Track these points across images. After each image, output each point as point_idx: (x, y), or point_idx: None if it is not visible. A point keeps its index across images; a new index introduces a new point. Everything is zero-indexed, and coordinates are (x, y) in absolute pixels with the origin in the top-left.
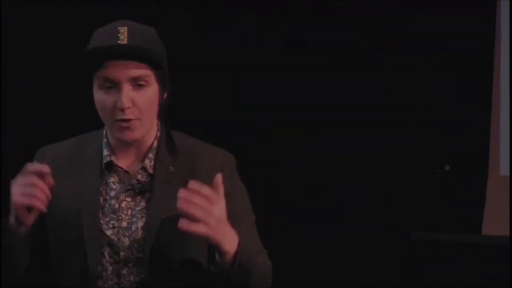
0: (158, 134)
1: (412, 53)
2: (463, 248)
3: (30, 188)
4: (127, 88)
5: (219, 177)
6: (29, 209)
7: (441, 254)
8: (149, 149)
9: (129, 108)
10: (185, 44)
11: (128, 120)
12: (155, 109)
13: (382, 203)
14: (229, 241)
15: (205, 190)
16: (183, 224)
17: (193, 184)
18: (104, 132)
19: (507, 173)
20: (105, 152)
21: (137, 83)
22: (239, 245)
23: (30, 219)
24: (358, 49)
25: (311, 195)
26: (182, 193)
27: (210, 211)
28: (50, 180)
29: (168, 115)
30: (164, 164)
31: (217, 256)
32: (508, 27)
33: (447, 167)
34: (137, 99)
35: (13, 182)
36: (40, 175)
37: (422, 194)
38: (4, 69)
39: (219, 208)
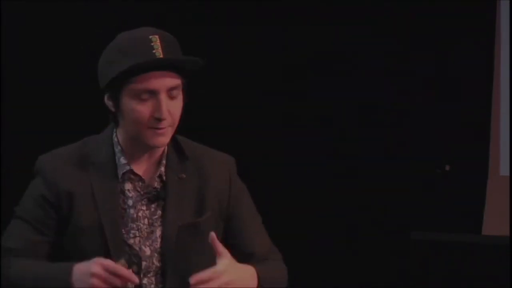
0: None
1: (412, 52)
2: (463, 248)
3: (114, 279)
4: (165, 99)
5: (213, 235)
6: None
7: (441, 254)
8: (162, 155)
9: (165, 119)
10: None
11: (164, 128)
12: (180, 117)
13: (382, 203)
14: (248, 279)
15: (204, 276)
16: None
17: (193, 279)
18: (116, 139)
19: (507, 173)
20: (122, 160)
21: (171, 94)
22: (258, 275)
23: None
24: (357, 47)
25: (311, 195)
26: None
27: (219, 281)
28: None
29: None
30: (175, 170)
31: None
32: (508, 27)
33: (447, 167)
34: (171, 108)
35: (93, 271)
36: (123, 279)
37: (422, 194)
38: (4, 69)
39: (224, 265)
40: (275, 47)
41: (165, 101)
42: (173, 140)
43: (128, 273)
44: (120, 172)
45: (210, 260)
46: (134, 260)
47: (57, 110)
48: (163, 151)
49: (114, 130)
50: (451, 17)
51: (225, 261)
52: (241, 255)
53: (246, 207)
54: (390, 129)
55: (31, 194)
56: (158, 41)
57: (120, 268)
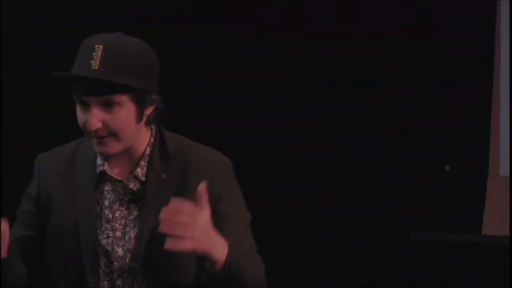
0: (152, 140)
1: (412, 52)
2: (463, 248)
3: None
4: (95, 111)
5: (203, 186)
6: None
7: (441, 254)
8: (142, 156)
9: (97, 129)
10: (184, 46)
11: (101, 137)
12: (131, 128)
13: (382, 203)
14: (218, 249)
15: (186, 206)
16: (169, 244)
17: (173, 203)
18: None
19: (507, 173)
20: (99, 161)
21: (108, 105)
22: (229, 251)
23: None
24: (357, 49)
25: (311, 195)
26: (163, 214)
27: (193, 226)
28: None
29: (164, 118)
30: (157, 171)
31: (207, 264)
32: (508, 27)
33: (447, 167)
34: (107, 120)
35: None
36: None
37: (422, 194)
38: (4, 69)
39: (203, 219)
40: (274, 49)
41: (97, 113)
42: (159, 140)
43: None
44: (96, 173)
45: (186, 261)
46: (109, 260)
47: (57, 110)
48: (143, 153)
49: None
50: (451, 17)
51: (206, 213)
52: None
53: (229, 205)
54: (390, 129)
55: (25, 195)
56: (101, 51)
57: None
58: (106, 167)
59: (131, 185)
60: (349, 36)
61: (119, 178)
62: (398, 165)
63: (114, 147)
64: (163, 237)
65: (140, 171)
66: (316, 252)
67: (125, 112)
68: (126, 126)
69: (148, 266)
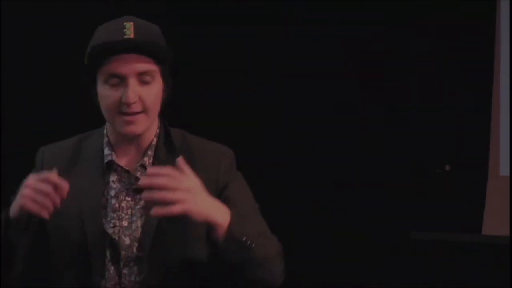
0: (158, 131)
1: (413, 53)
2: (463, 248)
3: (43, 198)
4: (133, 83)
5: (180, 159)
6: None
7: (441, 254)
8: (149, 146)
9: (134, 102)
10: (185, 41)
11: (133, 114)
12: (158, 106)
13: (382, 203)
14: (218, 213)
15: (164, 170)
16: (155, 211)
17: (150, 170)
18: (105, 131)
19: (507, 173)
20: (106, 151)
21: (143, 79)
22: (231, 217)
23: (29, 221)
24: (358, 49)
25: (311, 195)
26: (141, 181)
27: (176, 187)
28: (64, 194)
29: (168, 112)
30: (162, 161)
31: (212, 235)
32: (508, 27)
33: (447, 167)
34: (142, 95)
35: (26, 183)
36: (55, 187)
37: (422, 194)
38: (4, 69)
39: (188, 181)
40: (277, 45)
41: (134, 86)
42: (164, 132)
43: (54, 177)
44: (103, 163)
45: (193, 250)
46: (115, 250)
47: (57, 109)
48: (150, 143)
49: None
50: (451, 17)
51: (191, 177)
52: None
53: (235, 192)
54: (390, 129)
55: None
56: (132, 27)
57: (48, 174)
58: (114, 157)
59: (138, 174)
60: (350, 37)
61: (126, 168)
62: (398, 165)
63: (142, 125)
64: (170, 225)
65: (147, 161)
66: (316, 252)
67: (157, 87)
68: (156, 102)
69: (155, 255)
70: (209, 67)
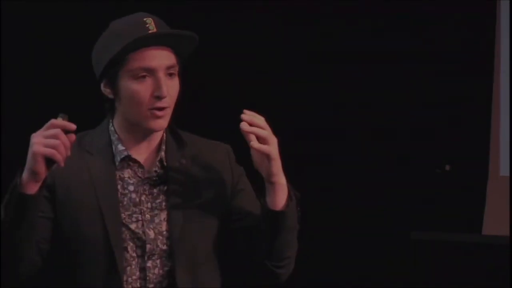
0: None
1: (413, 53)
2: (463, 248)
3: (53, 140)
4: (163, 77)
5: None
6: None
7: (441, 254)
8: (161, 142)
9: (166, 96)
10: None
11: (163, 109)
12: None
13: (382, 203)
14: (283, 176)
15: (258, 117)
16: (253, 143)
17: (247, 112)
18: (112, 129)
19: (507, 173)
20: (120, 147)
21: (169, 72)
22: (289, 191)
23: (45, 174)
24: (357, 48)
25: (311, 195)
26: (244, 115)
27: (269, 132)
28: (73, 137)
29: None
30: (175, 155)
31: (269, 197)
32: (508, 27)
33: (447, 167)
34: (169, 88)
35: (34, 135)
36: (64, 131)
37: (422, 194)
38: (4, 69)
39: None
40: (277, 44)
41: (165, 79)
42: (170, 127)
43: (61, 121)
44: (118, 159)
45: (219, 244)
46: (138, 244)
47: (57, 109)
48: (162, 138)
49: (110, 120)
50: (451, 17)
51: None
52: (243, 240)
53: (246, 193)
54: (390, 129)
55: None
56: (153, 22)
57: (55, 120)
58: (129, 152)
59: (156, 168)
60: (349, 36)
61: (141, 163)
62: (398, 165)
63: (168, 119)
64: (195, 218)
65: (164, 155)
66: (315, 252)
67: (178, 82)
68: (176, 97)
69: (179, 247)
70: (205, 66)
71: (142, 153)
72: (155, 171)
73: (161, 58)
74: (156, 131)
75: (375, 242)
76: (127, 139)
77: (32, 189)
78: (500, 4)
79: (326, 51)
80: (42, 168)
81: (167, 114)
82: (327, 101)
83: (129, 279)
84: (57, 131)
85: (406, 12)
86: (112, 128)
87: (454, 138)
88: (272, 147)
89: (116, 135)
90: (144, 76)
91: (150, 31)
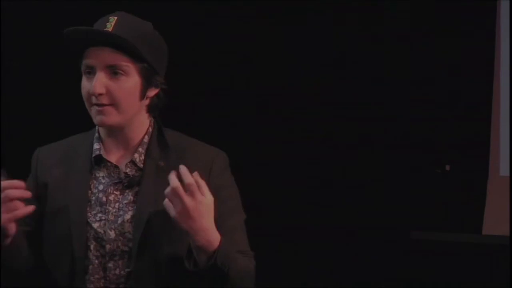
0: (150, 130)
1: (412, 53)
2: (463, 248)
3: (10, 204)
4: (101, 75)
5: (195, 173)
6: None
7: (441, 254)
8: (140, 143)
9: (100, 94)
10: (183, 42)
11: (101, 105)
12: (134, 101)
13: (382, 203)
14: (204, 238)
15: (189, 178)
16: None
17: (182, 169)
18: (97, 127)
19: (507, 173)
20: (95, 146)
21: (114, 71)
22: (219, 247)
23: (14, 229)
24: (358, 48)
25: (311, 195)
26: (171, 175)
27: (180, 197)
28: (27, 194)
29: (163, 113)
30: (155, 158)
31: (194, 252)
32: (508, 27)
33: (447, 167)
34: (111, 87)
35: None
36: (14, 187)
37: (422, 194)
38: (4, 69)
39: (195, 200)
40: (275, 45)
41: (102, 78)
42: (158, 130)
43: (6, 182)
44: (92, 158)
45: (181, 247)
46: (100, 243)
47: (57, 110)
48: (141, 140)
49: None
50: (451, 17)
51: (208, 200)
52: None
53: (224, 203)
54: (390, 128)
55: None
56: (115, 21)
57: (4, 182)
58: (102, 152)
59: (128, 170)
60: (349, 36)
61: (114, 163)
62: (398, 165)
63: (113, 117)
64: (160, 221)
65: (137, 157)
66: (315, 252)
67: (130, 83)
68: (129, 98)
69: (142, 249)
70: (207, 68)
71: (116, 153)
72: (126, 172)
73: (102, 57)
74: (100, 126)
75: (375, 242)
76: (105, 137)
77: (7, 240)
78: (500, 4)
79: (326, 51)
80: (11, 228)
81: (109, 111)
82: (327, 100)
83: (91, 278)
84: (8, 193)
85: (406, 11)
86: (97, 127)
87: (454, 138)
88: (175, 213)
89: (97, 134)
90: (89, 73)
91: (104, 29)
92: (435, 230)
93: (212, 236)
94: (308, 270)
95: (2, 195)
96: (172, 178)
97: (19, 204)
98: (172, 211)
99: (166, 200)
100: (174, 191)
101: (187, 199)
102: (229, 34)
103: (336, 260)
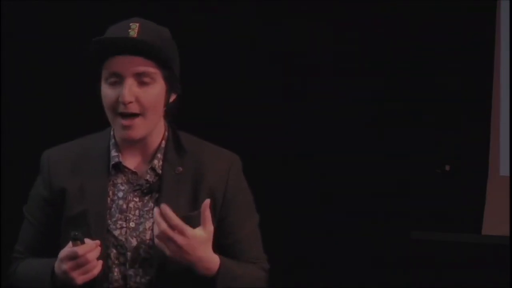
0: (166, 134)
1: (412, 53)
2: (463, 248)
3: (86, 266)
4: (130, 83)
5: (207, 202)
6: None
7: (441, 254)
8: (157, 149)
9: (130, 102)
10: (190, 43)
11: (129, 116)
12: (160, 109)
13: (382, 203)
14: (202, 267)
15: (173, 220)
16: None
17: (164, 209)
18: (112, 133)
19: (507, 173)
20: (113, 153)
21: (142, 80)
22: (217, 273)
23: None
24: (357, 49)
25: (311, 195)
26: (160, 226)
27: (170, 238)
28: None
29: (175, 115)
30: (172, 164)
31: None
32: (508, 27)
33: (447, 167)
34: (140, 95)
35: (63, 266)
36: (91, 250)
37: (422, 194)
38: (4, 69)
39: (186, 236)
40: (274, 44)
41: (132, 86)
42: (173, 134)
43: (84, 247)
44: (110, 164)
45: None
46: (121, 251)
47: (58, 110)
48: (159, 146)
49: None
50: (451, 17)
51: (202, 232)
52: (228, 256)
53: (240, 209)
54: (390, 128)
55: (34, 193)
56: (137, 27)
57: (79, 248)
58: (121, 159)
59: (148, 176)
60: (348, 35)
61: (134, 170)
62: (398, 165)
63: (140, 130)
64: None
65: (157, 163)
66: (315, 252)
67: (157, 90)
68: (156, 105)
69: (162, 257)
70: (214, 68)
71: (135, 159)
72: (146, 179)
73: (131, 64)
74: (127, 141)
75: (375, 242)
76: (123, 144)
77: None
78: (500, 4)
79: (326, 51)
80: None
81: (137, 124)
82: (327, 100)
83: (111, 286)
84: (84, 258)
85: (406, 11)
86: (112, 132)
87: (454, 138)
88: (168, 252)
89: (113, 140)
90: (115, 81)
91: (128, 36)
92: (435, 230)
93: (210, 263)
94: (308, 270)
95: (83, 259)
96: (158, 220)
97: (95, 263)
98: (166, 250)
99: (157, 240)
100: (163, 234)
101: (178, 238)
102: (229, 34)
103: (336, 260)
